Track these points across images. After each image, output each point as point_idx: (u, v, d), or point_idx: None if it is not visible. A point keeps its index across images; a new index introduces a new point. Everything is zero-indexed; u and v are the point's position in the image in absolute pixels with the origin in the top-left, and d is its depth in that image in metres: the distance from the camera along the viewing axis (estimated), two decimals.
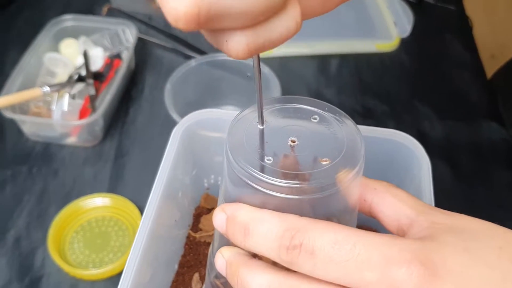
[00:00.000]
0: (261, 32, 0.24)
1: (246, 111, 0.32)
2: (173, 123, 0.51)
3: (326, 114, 0.32)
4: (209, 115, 0.48)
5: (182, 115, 0.49)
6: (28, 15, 0.90)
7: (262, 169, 0.29)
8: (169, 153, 0.44)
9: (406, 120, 0.77)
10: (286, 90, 0.73)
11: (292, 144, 0.31)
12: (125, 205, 0.63)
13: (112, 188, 0.66)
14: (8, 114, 0.66)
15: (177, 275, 0.49)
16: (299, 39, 0.85)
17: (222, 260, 0.32)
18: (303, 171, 0.29)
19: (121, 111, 0.76)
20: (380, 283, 0.25)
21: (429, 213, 0.31)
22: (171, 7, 0.22)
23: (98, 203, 0.64)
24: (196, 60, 0.71)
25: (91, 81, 0.73)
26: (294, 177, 0.29)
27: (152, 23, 0.88)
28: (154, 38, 0.85)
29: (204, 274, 0.49)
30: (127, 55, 0.76)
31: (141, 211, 0.50)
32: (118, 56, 0.78)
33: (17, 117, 0.67)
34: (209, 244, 0.52)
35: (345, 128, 0.31)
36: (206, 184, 0.56)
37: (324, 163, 0.29)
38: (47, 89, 0.70)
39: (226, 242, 0.36)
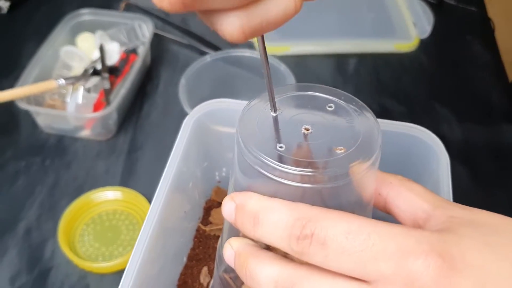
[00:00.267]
0: (255, 12, 0.23)
1: (258, 99, 0.31)
2: None
3: (342, 103, 0.31)
4: (221, 105, 0.47)
5: None
6: (46, 9, 0.91)
7: (274, 157, 0.28)
8: (179, 144, 0.43)
9: (424, 121, 0.75)
10: None
11: (305, 132, 0.30)
12: (137, 199, 0.62)
13: (124, 182, 0.66)
14: (23, 105, 0.66)
15: (185, 268, 0.48)
16: (316, 37, 0.85)
17: (231, 251, 0.31)
18: (316, 160, 0.28)
19: (135, 106, 0.75)
20: (395, 275, 0.24)
21: (447, 207, 0.30)
22: None
23: (109, 196, 0.63)
24: (211, 56, 0.70)
25: (106, 75, 0.73)
26: (307, 165, 0.28)
27: (169, 19, 0.88)
28: (170, 34, 0.85)
29: (213, 268, 0.48)
30: (143, 50, 0.76)
31: (171, 217, 0.50)
32: (134, 51, 0.78)
33: (31, 108, 0.67)
34: (218, 237, 0.52)
35: (362, 118, 0.30)
36: (217, 177, 0.55)
37: (338, 151, 0.28)
38: (62, 81, 0.69)
39: (236, 234, 0.35)
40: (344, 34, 0.85)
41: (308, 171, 0.27)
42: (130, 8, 0.89)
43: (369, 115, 0.30)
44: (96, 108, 0.70)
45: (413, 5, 0.90)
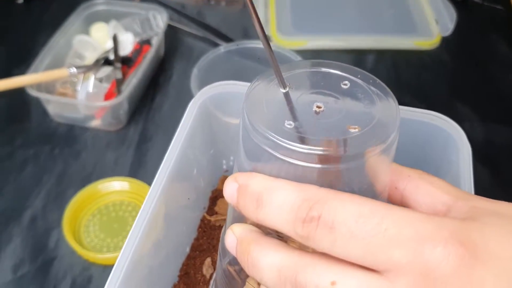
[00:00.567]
0: None
1: (267, 75, 0.29)
2: None
3: (359, 81, 0.29)
4: (229, 88, 0.44)
5: None
6: None
7: (282, 135, 0.26)
8: (183, 127, 0.41)
9: None
10: None
11: (317, 110, 0.28)
12: (144, 190, 0.60)
13: (133, 173, 0.64)
14: (33, 93, 0.65)
15: (188, 259, 0.46)
16: (335, 32, 0.83)
17: (233, 237, 0.29)
18: (328, 138, 0.26)
19: (147, 97, 0.74)
20: (409, 264, 0.22)
21: (469, 199, 0.27)
22: None
23: (116, 187, 0.62)
24: (225, 47, 0.68)
25: (118, 65, 0.71)
26: (317, 144, 0.25)
27: (185, 11, 0.86)
28: (186, 26, 0.84)
29: (217, 260, 0.46)
30: (156, 41, 0.74)
31: (174, 204, 0.48)
32: (147, 42, 0.76)
33: (41, 96, 0.66)
34: None
35: (379, 97, 0.28)
36: (224, 166, 0.53)
37: (352, 130, 0.26)
38: (73, 70, 0.68)
39: (239, 222, 0.33)
40: (363, 30, 0.83)
41: (317, 149, 0.25)
42: None
43: (388, 95, 0.28)
44: (107, 98, 0.69)
45: (435, 2, 0.88)
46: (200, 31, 0.83)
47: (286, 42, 0.79)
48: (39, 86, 0.67)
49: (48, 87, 0.69)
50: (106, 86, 0.70)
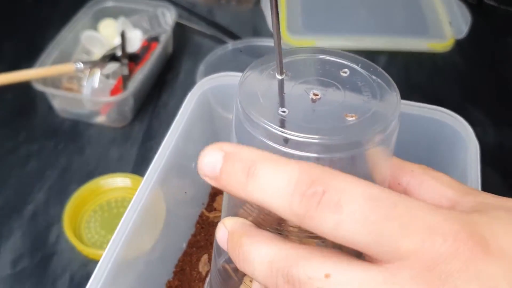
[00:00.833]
0: None
1: (262, 61, 0.28)
2: None
3: (359, 69, 0.28)
4: (229, 80, 0.43)
5: None
6: None
7: (277, 123, 0.25)
8: (180, 118, 0.40)
9: None
10: None
11: (314, 97, 0.26)
12: None
13: (137, 170, 0.63)
14: (39, 87, 0.65)
15: (184, 255, 0.45)
16: (346, 32, 0.81)
17: (224, 230, 0.27)
18: (324, 126, 0.25)
19: (153, 94, 0.73)
20: (417, 256, 0.21)
21: (475, 194, 0.26)
22: None
23: (119, 183, 0.61)
24: (233, 44, 0.67)
25: (125, 61, 0.71)
26: (313, 131, 0.24)
27: (195, 10, 0.86)
28: (195, 25, 0.83)
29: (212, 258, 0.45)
30: (164, 38, 0.74)
31: (171, 198, 0.47)
32: (156, 39, 0.76)
33: (47, 90, 0.66)
34: None
35: (379, 86, 0.27)
36: None
37: (349, 119, 0.25)
38: (80, 65, 0.68)
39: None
40: (374, 30, 0.82)
41: (314, 138, 0.24)
42: None
43: (389, 84, 0.27)
44: (113, 94, 0.68)
45: (450, 4, 0.86)
46: (210, 29, 0.82)
47: (295, 42, 0.78)
48: (45, 81, 0.67)
49: (54, 82, 0.69)
50: (112, 82, 0.69)
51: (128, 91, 0.65)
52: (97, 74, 0.68)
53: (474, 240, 0.21)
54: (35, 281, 0.54)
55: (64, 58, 0.71)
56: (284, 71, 0.26)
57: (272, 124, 0.25)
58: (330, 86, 0.26)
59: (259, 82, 0.27)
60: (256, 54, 0.68)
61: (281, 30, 0.78)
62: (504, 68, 0.79)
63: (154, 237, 0.44)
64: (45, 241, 0.57)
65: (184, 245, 0.46)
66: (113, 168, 0.64)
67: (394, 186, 0.29)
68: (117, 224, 0.57)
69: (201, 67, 0.65)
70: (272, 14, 0.25)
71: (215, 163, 0.24)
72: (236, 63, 0.67)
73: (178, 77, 0.76)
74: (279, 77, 0.26)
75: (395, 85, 0.27)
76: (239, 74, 0.45)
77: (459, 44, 0.81)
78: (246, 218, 0.28)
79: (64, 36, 0.72)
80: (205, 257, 0.45)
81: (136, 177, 0.60)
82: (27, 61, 0.72)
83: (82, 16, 0.75)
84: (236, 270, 0.37)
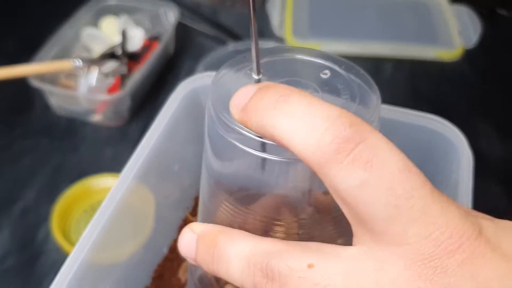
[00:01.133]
0: None
1: (237, 62, 0.27)
2: None
3: (340, 70, 0.26)
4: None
5: None
6: None
7: None
8: (162, 117, 0.38)
9: None
10: None
11: None
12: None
13: None
14: (36, 83, 0.64)
15: (165, 260, 0.44)
16: (352, 37, 0.80)
17: (192, 235, 0.25)
18: None
19: (152, 94, 0.72)
20: (420, 244, 0.19)
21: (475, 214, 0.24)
22: None
23: (110, 184, 0.59)
24: (234, 46, 0.66)
25: (125, 60, 0.70)
26: None
27: (199, 10, 0.85)
28: (198, 25, 0.82)
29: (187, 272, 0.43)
30: (165, 38, 0.73)
31: (157, 197, 0.45)
32: (157, 39, 0.75)
33: (44, 86, 0.65)
34: None
35: (359, 88, 0.25)
36: None
37: None
38: (79, 62, 0.67)
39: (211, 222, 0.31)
40: (381, 36, 0.80)
41: None
42: None
43: (370, 86, 0.25)
44: (111, 93, 0.67)
45: (460, 12, 0.84)
46: (213, 30, 0.81)
47: (300, 45, 0.77)
48: (43, 77, 0.66)
49: (52, 78, 0.68)
50: (110, 81, 0.68)
51: (125, 90, 0.64)
52: (95, 72, 0.67)
53: (479, 241, 0.19)
54: (21, 280, 0.53)
55: (64, 54, 0.70)
56: (262, 71, 0.25)
57: (245, 127, 0.23)
58: (307, 88, 0.25)
59: (234, 82, 0.25)
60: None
61: (286, 33, 0.77)
62: None
63: (137, 242, 0.43)
64: (33, 239, 0.56)
65: (165, 250, 0.45)
66: (106, 167, 0.62)
67: None
68: None
69: (200, 68, 0.64)
70: (249, 9, 0.23)
71: (248, 93, 0.23)
72: None
73: (178, 78, 0.74)
74: (255, 77, 0.25)
75: (376, 88, 0.25)
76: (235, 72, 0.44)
77: (468, 53, 0.79)
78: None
79: (65, 32, 0.71)
80: (186, 263, 0.43)
81: None
82: (28, 56, 0.71)
83: (84, 13, 0.75)
84: (218, 279, 0.36)
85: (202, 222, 0.30)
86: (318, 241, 0.22)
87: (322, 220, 0.26)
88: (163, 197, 0.42)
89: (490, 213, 0.37)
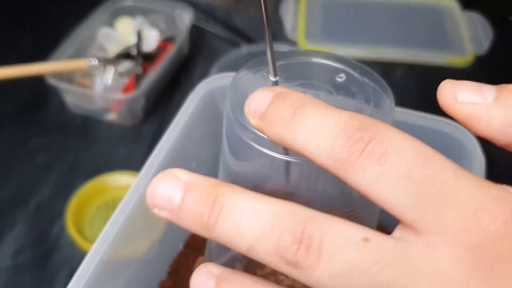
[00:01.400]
0: None
1: (253, 65, 0.27)
2: None
3: (355, 74, 0.27)
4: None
5: None
6: None
7: None
8: (183, 115, 0.39)
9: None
10: None
11: None
12: None
13: None
14: (52, 81, 0.65)
15: (180, 255, 0.45)
16: (364, 42, 0.80)
17: (210, 277, 0.21)
18: None
19: (166, 94, 0.73)
20: (463, 231, 0.18)
21: (505, 190, 0.23)
22: None
23: (125, 181, 0.61)
24: (248, 48, 0.67)
25: (140, 60, 0.71)
26: None
27: (213, 13, 0.86)
28: (212, 28, 0.83)
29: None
30: (179, 39, 0.74)
31: None
32: (172, 40, 0.76)
33: (60, 85, 0.66)
34: None
35: (374, 92, 0.26)
36: None
37: None
38: (95, 62, 0.68)
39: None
40: (394, 42, 0.80)
41: None
42: None
43: (384, 90, 0.26)
44: (125, 92, 0.68)
45: (472, 19, 0.84)
46: (226, 33, 0.82)
47: (311, 48, 0.77)
48: (59, 76, 0.67)
49: (68, 77, 0.69)
50: (125, 80, 0.70)
51: (140, 90, 0.65)
52: (111, 71, 0.68)
53: None
54: (35, 274, 0.54)
55: (80, 54, 0.71)
56: (279, 73, 0.26)
57: None
58: (323, 90, 0.26)
59: (252, 83, 0.26)
60: None
61: (299, 36, 0.78)
62: None
63: (152, 238, 0.43)
64: (47, 234, 0.57)
65: (181, 246, 0.46)
66: (120, 166, 0.63)
67: None
68: None
69: (214, 70, 0.65)
70: (263, 13, 0.24)
71: (264, 99, 0.22)
72: None
73: (192, 79, 0.76)
74: (272, 79, 0.25)
75: (390, 91, 0.26)
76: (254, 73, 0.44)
77: (479, 60, 0.80)
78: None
79: (81, 32, 0.73)
80: (201, 259, 0.44)
81: None
82: (44, 55, 0.72)
83: (100, 13, 0.76)
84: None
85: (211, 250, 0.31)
86: None
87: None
88: None
89: None
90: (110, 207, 0.59)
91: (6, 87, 0.69)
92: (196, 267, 0.44)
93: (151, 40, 0.75)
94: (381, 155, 0.19)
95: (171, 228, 0.43)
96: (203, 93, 0.41)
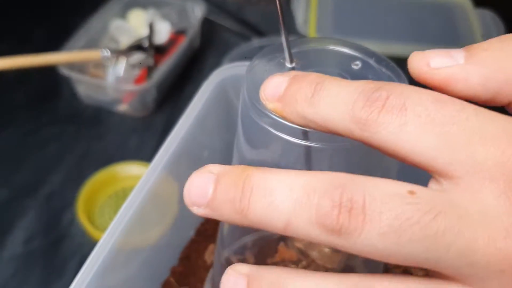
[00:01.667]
0: None
1: (268, 53, 0.28)
2: None
3: (371, 62, 0.27)
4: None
5: None
6: None
7: None
8: (195, 104, 0.39)
9: None
10: None
11: None
12: None
13: None
14: (65, 71, 0.66)
15: (191, 242, 0.45)
16: (375, 37, 0.80)
17: (239, 277, 0.20)
18: None
19: (176, 87, 0.73)
20: (498, 166, 0.18)
21: None
22: None
23: (135, 171, 0.61)
24: (259, 42, 0.67)
25: (151, 52, 0.71)
26: None
27: (225, 6, 0.86)
28: (224, 21, 0.83)
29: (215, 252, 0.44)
30: (191, 32, 0.74)
31: (179, 185, 0.47)
32: (183, 33, 0.76)
33: (72, 75, 0.66)
34: None
35: (390, 80, 0.26)
36: None
37: None
38: (107, 53, 0.68)
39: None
40: (405, 37, 0.80)
41: None
42: None
43: (400, 78, 0.26)
44: (137, 84, 0.69)
45: (483, 16, 0.84)
46: (238, 26, 0.82)
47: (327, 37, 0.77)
48: (72, 66, 0.68)
49: (80, 67, 0.70)
50: (137, 72, 0.70)
51: (152, 81, 0.66)
52: (123, 62, 0.69)
53: None
54: (45, 262, 0.55)
55: (92, 45, 0.72)
56: (295, 60, 0.26)
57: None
58: (340, 78, 0.26)
59: (267, 70, 0.26)
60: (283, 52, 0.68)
61: (310, 30, 0.78)
62: None
63: (163, 226, 0.44)
64: (58, 223, 0.58)
65: (192, 233, 0.46)
66: (131, 156, 0.64)
67: None
68: None
69: (225, 62, 0.65)
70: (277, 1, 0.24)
71: (281, 83, 0.22)
72: None
73: (203, 72, 0.76)
74: (289, 65, 0.26)
75: (406, 80, 0.26)
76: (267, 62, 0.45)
77: None
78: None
79: (93, 23, 0.73)
80: (212, 246, 0.45)
81: None
82: (57, 45, 0.73)
83: (113, 4, 0.76)
84: (242, 262, 0.37)
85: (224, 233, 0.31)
86: None
87: None
88: None
89: None
90: (120, 196, 0.60)
91: (19, 76, 0.69)
92: (207, 254, 0.45)
93: (163, 32, 0.75)
94: (400, 108, 0.19)
95: (183, 216, 0.43)
96: (216, 83, 0.42)
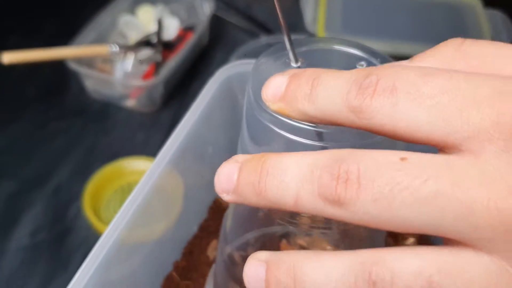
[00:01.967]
0: None
1: (274, 52, 0.28)
2: None
3: (376, 62, 0.27)
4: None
5: None
6: None
7: None
8: (201, 101, 0.40)
9: None
10: None
11: None
12: None
13: None
14: (73, 66, 0.66)
15: (194, 238, 0.46)
16: (384, 36, 0.80)
17: (259, 264, 0.21)
18: None
19: (184, 83, 0.74)
20: (495, 126, 0.17)
21: None
22: None
23: (141, 166, 0.61)
24: (267, 39, 0.67)
25: (160, 48, 0.72)
26: None
27: (234, 3, 0.86)
28: (232, 18, 0.83)
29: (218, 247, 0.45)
30: (199, 28, 0.74)
31: (185, 181, 0.47)
32: (192, 29, 0.76)
33: (81, 69, 0.67)
34: None
35: None
36: None
37: None
38: (115, 48, 0.69)
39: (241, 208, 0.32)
40: (414, 37, 0.80)
41: (324, 127, 0.24)
42: None
43: None
44: (145, 79, 0.69)
45: (493, 17, 0.84)
46: (246, 23, 0.82)
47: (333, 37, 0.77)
48: (80, 61, 0.68)
49: (89, 62, 0.70)
50: (145, 67, 0.70)
51: (159, 77, 0.66)
52: (131, 58, 0.69)
53: None
54: (51, 254, 0.55)
55: (101, 40, 0.72)
56: (300, 59, 0.26)
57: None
58: None
59: (273, 69, 0.27)
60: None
61: (319, 29, 0.78)
62: None
63: (168, 221, 0.44)
64: (64, 216, 0.58)
65: (195, 229, 0.46)
66: (137, 151, 0.64)
67: None
68: None
69: (233, 59, 0.65)
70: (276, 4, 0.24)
71: (281, 83, 0.23)
72: None
73: (211, 68, 0.76)
74: (294, 65, 0.26)
75: None
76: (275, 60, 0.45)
77: None
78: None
79: (102, 18, 0.73)
80: (214, 242, 0.45)
81: None
82: (66, 40, 0.74)
83: (122, 0, 0.77)
84: (244, 258, 0.37)
85: (234, 207, 0.31)
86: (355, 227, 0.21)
87: None
88: (195, 179, 0.44)
89: None
90: (126, 191, 0.60)
91: (28, 70, 0.70)
92: (210, 250, 0.45)
93: (171, 28, 0.75)
94: (391, 89, 0.19)
95: (187, 211, 0.44)
96: (222, 80, 0.42)
